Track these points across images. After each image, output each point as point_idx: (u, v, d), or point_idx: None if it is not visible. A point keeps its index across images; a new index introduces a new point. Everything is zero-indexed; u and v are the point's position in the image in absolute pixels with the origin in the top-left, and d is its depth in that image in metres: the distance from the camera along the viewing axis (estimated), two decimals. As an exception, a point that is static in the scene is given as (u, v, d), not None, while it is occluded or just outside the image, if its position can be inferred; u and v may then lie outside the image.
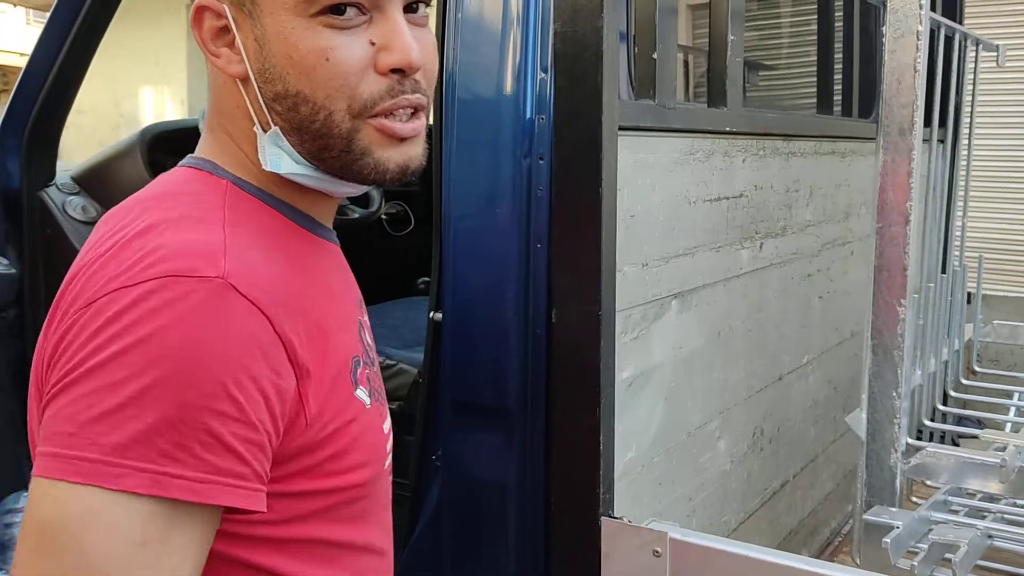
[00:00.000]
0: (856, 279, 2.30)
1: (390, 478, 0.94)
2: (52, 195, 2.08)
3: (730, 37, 1.53)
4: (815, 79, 2.48)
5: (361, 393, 0.81)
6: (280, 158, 0.77)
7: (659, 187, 1.41)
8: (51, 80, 2.03)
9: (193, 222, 0.72)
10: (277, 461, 0.72)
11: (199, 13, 0.77)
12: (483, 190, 1.43)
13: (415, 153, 0.79)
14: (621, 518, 1.21)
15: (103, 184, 2.14)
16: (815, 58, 2.50)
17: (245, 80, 0.76)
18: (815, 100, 2.46)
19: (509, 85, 1.38)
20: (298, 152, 0.77)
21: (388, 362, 1.95)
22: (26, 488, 1.79)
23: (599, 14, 1.14)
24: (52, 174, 2.14)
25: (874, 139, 2.39)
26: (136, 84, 11.41)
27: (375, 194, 2.37)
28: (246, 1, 0.74)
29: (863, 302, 2.36)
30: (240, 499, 0.67)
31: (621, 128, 1.23)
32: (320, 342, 0.75)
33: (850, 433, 2.41)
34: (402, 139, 0.77)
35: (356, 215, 2.25)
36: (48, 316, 0.73)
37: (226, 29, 0.76)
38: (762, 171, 1.75)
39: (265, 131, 0.77)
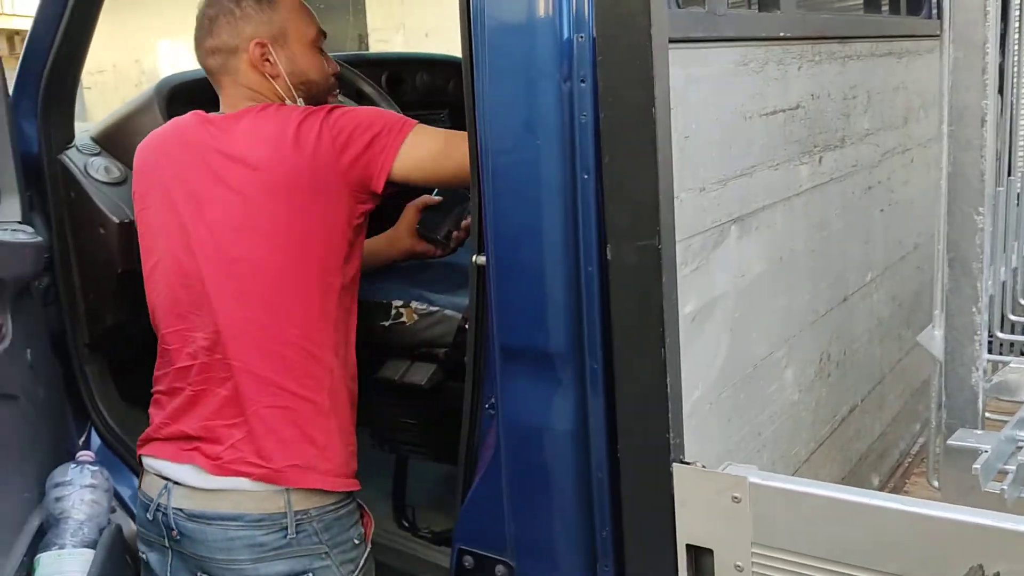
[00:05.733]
0: (917, 188, 2.17)
1: None
2: (73, 157, 2.01)
3: (780, -69, 1.39)
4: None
5: None
6: None
7: (712, 103, 1.29)
8: (60, 37, 1.95)
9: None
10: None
11: (259, 47, 1.66)
12: (521, 120, 1.32)
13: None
14: (694, 463, 1.13)
15: (124, 142, 2.05)
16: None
17: (276, 77, 1.67)
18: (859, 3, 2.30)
19: (541, 4, 1.27)
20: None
21: (431, 308, 1.88)
22: (73, 460, 1.76)
23: (642, -88, 1.02)
24: (71, 136, 2.06)
25: (931, 36, 2.24)
26: (153, 39, 11.28)
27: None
28: (281, 40, 1.68)
29: (926, 212, 2.24)
30: None
31: (671, 41, 1.12)
32: None
33: (916, 350, 2.30)
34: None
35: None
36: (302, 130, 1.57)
37: (266, 52, 1.67)
38: (818, 78, 1.63)
39: (293, 101, 1.69)
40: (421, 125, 1.63)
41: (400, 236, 1.97)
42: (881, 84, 1.93)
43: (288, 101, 1.67)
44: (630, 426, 1.18)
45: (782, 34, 1.44)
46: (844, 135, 1.75)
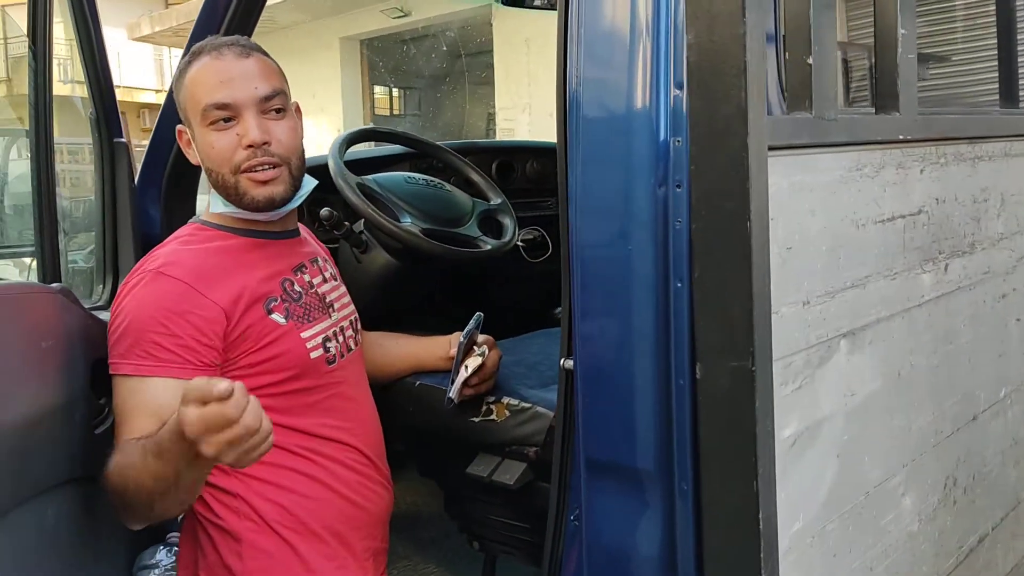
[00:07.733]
0: (1060, 295, 1.99)
1: (343, 372, 1.58)
2: None
3: (900, 31, 1.31)
4: (995, 70, 2.17)
5: (276, 317, 1.47)
6: (216, 202, 1.50)
7: (820, 212, 1.21)
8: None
9: (166, 248, 1.49)
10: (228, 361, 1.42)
11: (180, 134, 1.52)
12: (612, 219, 1.27)
13: (276, 190, 1.47)
14: (789, 609, 1.02)
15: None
16: (995, 45, 2.19)
17: (199, 165, 1.50)
18: (995, 92, 2.15)
19: (639, 103, 1.22)
20: (222, 198, 1.49)
21: (523, 405, 1.82)
22: (163, 543, 1.77)
23: (740, 19, 0.96)
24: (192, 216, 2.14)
25: (1076, 133, 2.07)
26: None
27: (509, 223, 2.24)
28: (188, 123, 1.49)
29: (1070, 322, 2.03)
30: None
31: (772, 148, 1.05)
32: (235, 292, 1.42)
33: (1059, 473, 2.08)
34: (264, 182, 1.45)
35: (489, 247, 2.13)
36: None
37: (188, 137, 1.50)
38: (943, 181, 1.51)
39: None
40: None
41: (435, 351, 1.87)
42: (1018, 185, 1.79)
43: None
44: (717, 560, 1.08)
45: (901, 137, 1.35)
46: (974, 240, 1.62)
